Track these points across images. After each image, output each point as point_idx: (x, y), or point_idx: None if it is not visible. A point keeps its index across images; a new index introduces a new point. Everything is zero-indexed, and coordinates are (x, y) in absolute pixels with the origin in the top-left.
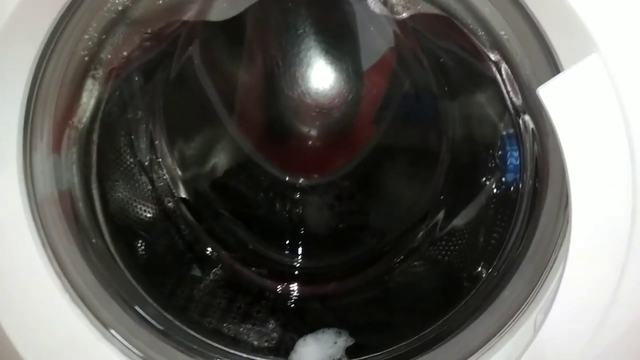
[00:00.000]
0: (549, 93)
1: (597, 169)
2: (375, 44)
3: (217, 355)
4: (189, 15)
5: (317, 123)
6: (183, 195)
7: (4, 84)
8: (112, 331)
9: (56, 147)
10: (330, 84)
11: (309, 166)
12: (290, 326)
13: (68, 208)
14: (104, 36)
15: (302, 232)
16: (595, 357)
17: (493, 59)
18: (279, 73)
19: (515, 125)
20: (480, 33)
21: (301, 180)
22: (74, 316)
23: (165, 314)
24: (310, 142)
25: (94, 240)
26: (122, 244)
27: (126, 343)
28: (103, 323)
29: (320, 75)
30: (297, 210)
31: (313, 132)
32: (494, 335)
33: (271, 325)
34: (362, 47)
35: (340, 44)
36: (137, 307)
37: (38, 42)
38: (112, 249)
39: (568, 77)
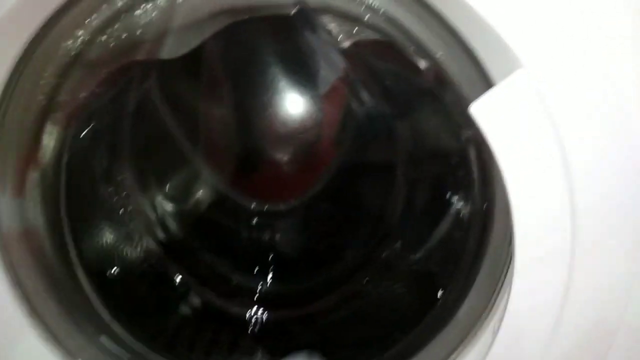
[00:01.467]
0: (480, 109)
1: (533, 178)
2: (328, 71)
3: None
4: (141, 54)
5: (278, 149)
6: (152, 227)
7: None
8: None
9: (19, 191)
10: (289, 111)
11: (274, 192)
12: (262, 351)
13: (35, 245)
14: (60, 80)
15: (271, 256)
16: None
17: (433, 79)
18: (237, 103)
19: (463, 143)
20: (418, 56)
21: (267, 207)
22: (39, 346)
23: (134, 345)
24: (273, 169)
25: (62, 277)
26: (91, 277)
27: None
28: (69, 352)
29: (279, 103)
30: (265, 236)
31: (275, 159)
32: (458, 346)
33: (242, 350)
34: (316, 75)
35: (296, 73)
36: (102, 338)
37: None
38: (82, 283)
39: (496, 93)
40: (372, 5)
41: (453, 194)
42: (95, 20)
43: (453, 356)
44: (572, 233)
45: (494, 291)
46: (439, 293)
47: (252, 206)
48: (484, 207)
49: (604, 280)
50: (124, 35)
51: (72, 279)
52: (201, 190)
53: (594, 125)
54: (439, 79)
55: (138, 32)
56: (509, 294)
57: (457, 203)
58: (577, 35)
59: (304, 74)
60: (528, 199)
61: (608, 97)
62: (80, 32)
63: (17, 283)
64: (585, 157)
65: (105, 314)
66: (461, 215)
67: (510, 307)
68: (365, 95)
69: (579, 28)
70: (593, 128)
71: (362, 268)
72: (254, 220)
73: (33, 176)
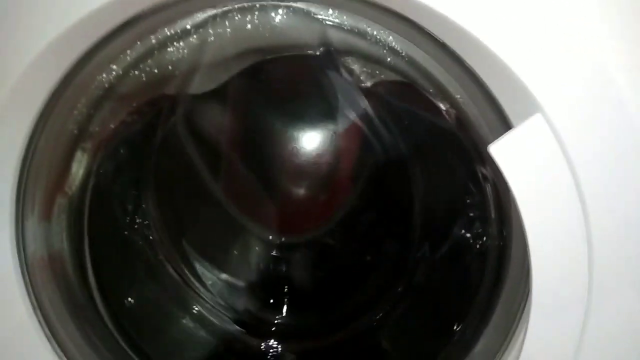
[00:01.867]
0: (499, 150)
1: (551, 221)
2: (347, 109)
3: None
4: (170, 89)
5: (297, 184)
6: (172, 258)
7: None
8: None
9: (46, 215)
10: (309, 146)
11: (291, 225)
12: None
13: (58, 272)
14: (92, 111)
15: (285, 289)
16: None
17: (452, 121)
18: (260, 139)
19: (481, 184)
20: (438, 97)
21: (283, 239)
22: None
23: None
24: (291, 202)
25: (83, 303)
26: (112, 306)
27: None
28: None
29: (299, 139)
30: (280, 269)
31: (294, 193)
32: None
33: None
34: (336, 112)
35: (317, 109)
36: None
37: (30, 119)
38: (101, 311)
39: (514, 135)
40: (394, 47)
41: (469, 231)
42: (129, 56)
43: None
44: (589, 278)
45: (510, 330)
46: (455, 328)
47: (269, 238)
48: (501, 244)
49: (619, 327)
50: (155, 70)
51: (93, 305)
52: (219, 222)
53: (612, 169)
54: (458, 120)
55: (169, 68)
56: (525, 334)
57: (474, 241)
58: (595, 80)
59: (325, 110)
60: (546, 242)
61: (625, 141)
62: (114, 67)
63: (39, 306)
64: (602, 201)
65: (122, 342)
66: (477, 252)
67: (525, 347)
68: (384, 134)
69: (596, 74)
70: (610, 172)
71: (378, 302)
72: (271, 252)
73: (61, 202)
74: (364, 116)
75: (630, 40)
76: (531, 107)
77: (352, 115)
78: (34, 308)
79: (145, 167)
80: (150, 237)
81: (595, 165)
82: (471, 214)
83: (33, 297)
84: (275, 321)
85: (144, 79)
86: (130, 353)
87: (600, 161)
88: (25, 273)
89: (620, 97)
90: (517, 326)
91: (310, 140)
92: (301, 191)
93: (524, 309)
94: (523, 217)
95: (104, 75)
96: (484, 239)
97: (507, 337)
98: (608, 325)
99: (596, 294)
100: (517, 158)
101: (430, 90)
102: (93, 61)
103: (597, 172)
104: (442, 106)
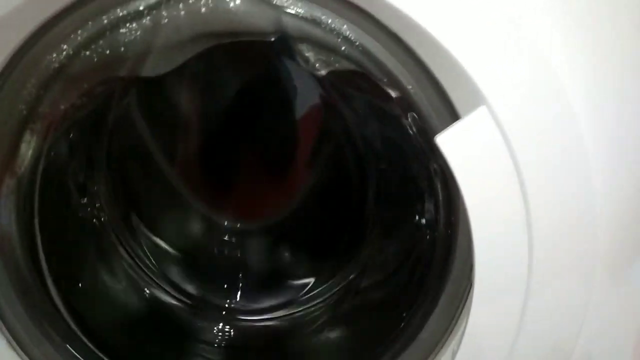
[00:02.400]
0: (444, 140)
1: (494, 210)
2: (303, 96)
3: None
4: (123, 71)
5: (253, 170)
6: (124, 240)
7: None
8: None
9: None
10: (264, 133)
11: (247, 211)
12: None
13: (5, 251)
14: (41, 92)
15: (241, 274)
16: None
17: (403, 111)
18: (215, 124)
19: (431, 173)
20: (391, 87)
21: (238, 225)
22: (3, 353)
23: (100, 354)
24: (247, 188)
25: (32, 285)
26: (63, 289)
27: None
28: None
29: (256, 125)
30: (236, 253)
31: (250, 179)
32: None
33: None
34: (292, 100)
35: (273, 97)
36: (69, 347)
37: None
38: (52, 294)
39: (460, 126)
40: (349, 37)
41: (421, 219)
42: (80, 36)
43: None
44: (529, 262)
45: (455, 314)
46: (404, 315)
47: (225, 224)
48: (449, 233)
49: (559, 307)
50: (107, 52)
51: (42, 287)
52: (173, 206)
53: (553, 161)
54: (409, 109)
55: (121, 49)
56: (467, 317)
57: (424, 229)
58: (538, 74)
59: (281, 97)
60: (488, 229)
61: (566, 133)
62: (65, 46)
63: None
64: (542, 189)
65: (72, 325)
66: (427, 241)
67: (468, 329)
68: (339, 122)
69: (539, 68)
70: (551, 164)
71: (330, 289)
72: (226, 238)
73: (9, 183)
74: (320, 104)
75: (575, 34)
76: (477, 99)
77: (308, 103)
78: None
79: (97, 149)
80: (102, 219)
81: (536, 157)
82: (423, 203)
83: None
84: (228, 305)
85: (95, 59)
86: (82, 337)
87: (542, 153)
88: None
89: (563, 91)
90: (461, 312)
91: (266, 126)
92: (257, 177)
93: (468, 295)
94: (467, 206)
95: (54, 55)
96: (434, 227)
97: (452, 323)
98: (547, 307)
99: (535, 279)
100: (462, 148)
101: (384, 80)
102: (43, 41)
103: (538, 163)
104: (394, 95)
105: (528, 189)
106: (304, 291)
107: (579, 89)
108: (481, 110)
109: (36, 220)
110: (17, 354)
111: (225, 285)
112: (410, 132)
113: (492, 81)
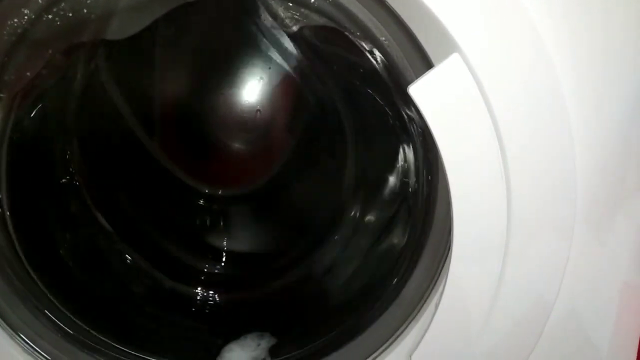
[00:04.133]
0: (418, 90)
1: (469, 161)
2: (276, 55)
3: None
4: (87, 35)
5: (233, 135)
6: (101, 206)
7: None
8: (21, 334)
9: None
10: (243, 97)
11: (228, 178)
12: (215, 332)
13: None
14: (5, 59)
15: (224, 241)
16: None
17: (378, 62)
18: (189, 87)
19: (407, 127)
20: (363, 40)
21: (220, 192)
22: None
23: (76, 319)
24: (226, 155)
25: (5, 252)
26: (36, 254)
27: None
28: (12, 327)
29: (232, 89)
30: (219, 221)
31: (230, 144)
32: (404, 322)
33: (195, 332)
34: (264, 59)
35: (245, 57)
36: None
37: None
38: (24, 260)
39: (433, 75)
40: None
41: (400, 176)
42: None
43: (401, 329)
44: (507, 214)
45: (436, 271)
46: (388, 271)
47: (206, 191)
48: (428, 190)
49: (539, 262)
50: (70, 14)
51: (16, 257)
52: (153, 174)
53: (528, 107)
54: (383, 62)
55: (84, 11)
56: (448, 272)
57: (404, 186)
58: (511, 19)
59: (253, 57)
60: (465, 180)
61: (540, 78)
62: (26, 10)
63: None
64: (519, 136)
65: (50, 289)
66: (408, 198)
67: (449, 284)
68: (314, 80)
69: (512, 12)
70: (526, 111)
71: (313, 252)
72: (208, 205)
73: None
74: (293, 62)
75: None
76: (449, 47)
77: (281, 61)
78: None
79: (68, 116)
80: (77, 184)
81: (511, 104)
82: (401, 161)
83: None
84: (212, 271)
85: (58, 23)
86: (59, 306)
87: (517, 100)
88: None
89: (537, 34)
90: (442, 268)
91: (244, 90)
92: (236, 143)
93: (449, 252)
94: (442, 158)
95: (16, 20)
96: (414, 183)
97: (434, 279)
98: (527, 262)
99: (514, 237)
100: (436, 98)
101: (357, 33)
102: (2, 5)
103: (513, 111)
104: (367, 48)
105: (504, 138)
106: (283, 258)
107: (556, 33)
108: (454, 58)
109: (4, 190)
110: None
111: (209, 255)
112: (386, 85)
113: (464, 27)
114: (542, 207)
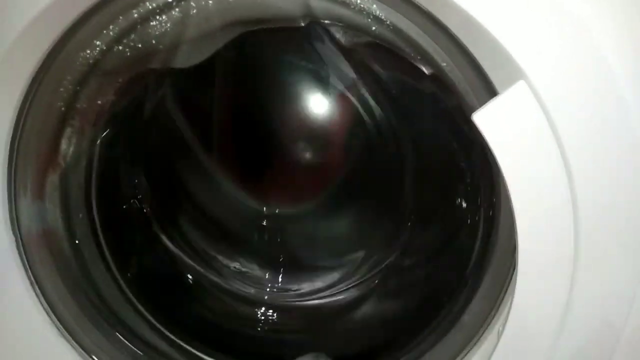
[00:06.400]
0: (483, 118)
1: (536, 187)
2: (336, 80)
3: None
4: (155, 63)
5: (289, 155)
6: (169, 230)
7: None
8: (93, 356)
9: (39, 194)
10: (300, 118)
11: (285, 196)
12: (272, 351)
13: (53, 245)
14: (78, 88)
15: (281, 259)
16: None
17: (439, 87)
18: (249, 111)
19: (470, 152)
20: (424, 65)
21: (277, 210)
22: (56, 342)
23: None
24: (284, 174)
25: (78, 275)
26: (109, 276)
27: None
28: (85, 349)
29: (290, 111)
30: (276, 240)
31: (286, 164)
32: (464, 348)
33: (253, 350)
34: (325, 84)
35: (306, 81)
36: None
37: (15, 98)
38: (97, 280)
39: (498, 102)
40: (379, 16)
41: (461, 200)
42: (112, 31)
43: (459, 357)
44: (575, 239)
45: (499, 296)
46: (445, 298)
47: (264, 210)
48: (490, 214)
49: (607, 285)
50: (139, 45)
51: (89, 278)
52: (213, 195)
53: (596, 134)
54: (445, 87)
55: (153, 42)
56: (512, 299)
57: (465, 210)
58: (578, 45)
59: (313, 82)
60: (531, 207)
61: (609, 105)
62: (98, 42)
63: (36, 282)
64: (587, 165)
65: (122, 311)
66: (468, 222)
67: (514, 310)
68: (373, 104)
69: (580, 39)
70: (594, 137)
71: (371, 273)
72: (265, 223)
73: (52, 179)
74: (353, 86)
75: (615, 3)
76: (515, 74)
77: (341, 86)
78: (31, 284)
79: (136, 142)
80: (145, 210)
81: (579, 131)
82: (462, 183)
83: (30, 273)
84: (269, 290)
85: (128, 54)
86: (128, 321)
87: (585, 126)
88: (21, 250)
89: (605, 61)
90: (505, 293)
91: (301, 112)
92: (294, 162)
93: (512, 275)
94: (508, 185)
95: (88, 51)
96: (475, 208)
97: (496, 304)
98: (596, 285)
99: (582, 257)
100: (501, 126)
101: (417, 58)
102: (76, 37)
103: (581, 138)
104: (427, 73)
105: (572, 166)
106: (340, 277)
107: (624, 61)
108: (520, 85)
109: (81, 216)
110: (69, 342)
111: (267, 272)
112: (447, 110)
113: (530, 54)
114: (611, 231)
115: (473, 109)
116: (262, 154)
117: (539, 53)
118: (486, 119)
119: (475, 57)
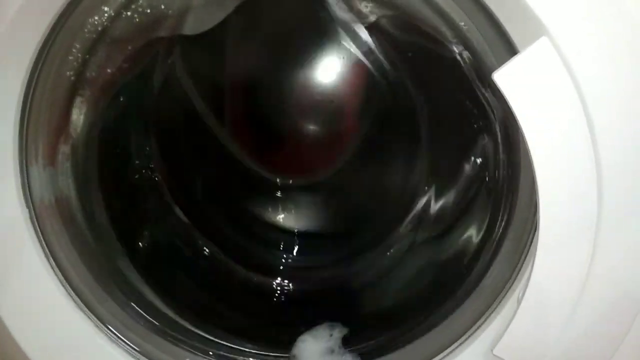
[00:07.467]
0: (503, 77)
1: (558, 147)
2: (349, 45)
3: (213, 349)
4: (164, 31)
5: (303, 123)
6: (179, 200)
7: None
8: (108, 326)
9: (51, 161)
10: (314, 85)
11: (299, 167)
12: (288, 322)
13: (66, 215)
14: (87, 56)
15: (295, 230)
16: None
17: (456, 49)
18: (262, 78)
19: (487, 113)
20: (442, 27)
21: (291, 181)
22: (72, 313)
23: (164, 310)
24: (297, 143)
25: (91, 244)
26: (123, 247)
27: (121, 336)
28: (100, 319)
29: (303, 77)
30: (290, 210)
31: (300, 133)
32: (483, 314)
33: (269, 322)
34: (338, 49)
35: (320, 47)
36: (133, 304)
37: (24, 66)
38: (113, 252)
39: (520, 60)
40: None
41: (478, 160)
42: None
43: (479, 323)
44: (598, 203)
45: (518, 262)
46: (464, 262)
47: (278, 181)
48: (509, 174)
49: (629, 253)
50: (147, 10)
51: (103, 248)
52: (225, 165)
53: (620, 91)
54: (463, 48)
55: (161, 7)
56: (532, 264)
57: (483, 172)
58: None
59: (326, 47)
60: (553, 168)
61: (634, 61)
62: (106, 8)
63: (50, 252)
64: (611, 124)
65: (136, 282)
66: (487, 183)
67: (534, 276)
68: (388, 68)
69: None
70: (619, 94)
71: (386, 241)
72: (279, 195)
73: (64, 149)
74: (367, 51)
75: None
76: (536, 30)
77: (355, 51)
78: (45, 253)
79: (147, 111)
80: (156, 179)
81: (603, 89)
82: (478, 145)
83: (43, 243)
84: (284, 261)
85: (137, 20)
86: (143, 292)
87: (609, 83)
88: (34, 220)
89: (630, 15)
90: (525, 258)
91: (315, 78)
92: (307, 131)
93: (532, 240)
94: (529, 145)
95: (96, 17)
96: (493, 169)
97: (516, 269)
98: (618, 251)
99: (606, 220)
100: (522, 84)
101: (433, 21)
102: (83, 3)
103: (605, 96)
104: (445, 34)
105: (596, 125)
106: (354, 246)
107: None
108: (542, 42)
109: (94, 183)
110: (84, 313)
111: (282, 242)
112: (465, 72)
113: (553, 9)
114: (634, 201)
115: (491, 70)
116: (275, 122)
117: (562, 8)
118: (507, 78)
119: (495, 15)
